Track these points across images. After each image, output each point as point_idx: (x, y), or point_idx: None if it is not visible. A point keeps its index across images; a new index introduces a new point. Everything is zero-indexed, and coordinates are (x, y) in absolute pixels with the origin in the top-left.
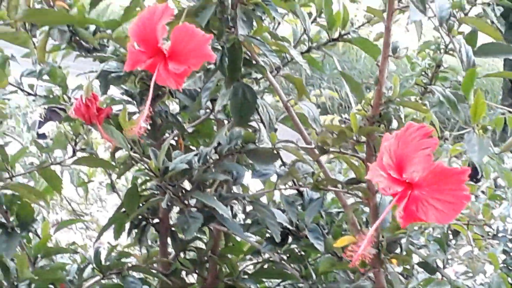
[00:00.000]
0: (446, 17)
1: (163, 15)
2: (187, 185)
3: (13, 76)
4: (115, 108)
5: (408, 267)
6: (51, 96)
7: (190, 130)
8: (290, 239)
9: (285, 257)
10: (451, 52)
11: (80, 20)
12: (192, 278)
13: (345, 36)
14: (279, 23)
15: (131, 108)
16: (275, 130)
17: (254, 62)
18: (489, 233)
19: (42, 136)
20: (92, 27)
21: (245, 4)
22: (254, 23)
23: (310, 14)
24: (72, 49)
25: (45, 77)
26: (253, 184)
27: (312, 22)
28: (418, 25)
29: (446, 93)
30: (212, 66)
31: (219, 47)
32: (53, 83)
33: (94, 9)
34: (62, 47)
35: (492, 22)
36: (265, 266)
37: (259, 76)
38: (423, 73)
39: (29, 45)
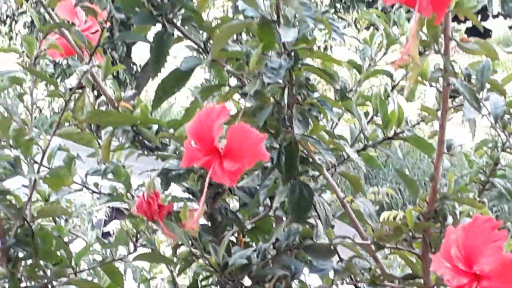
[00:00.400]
0: (500, 114)
1: (220, 115)
2: (246, 280)
3: (78, 175)
4: (177, 205)
5: None
6: (115, 194)
7: (249, 226)
8: None
9: None
10: (508, 150)
11: (143, 121)
12: None
13: (401, 135)
14: (336, 123)
15: (193, 205)
16: (332, 226)
17: (310, 160)
18: None
19: (107, 234)
20: (155, 127)
21: (300, 104)
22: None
23: (367, 113)
24: (135, 148)
25: (110, 175)
26: (311, 280)
27: (368, 122)
28: (472, 123)
29: (507, 186)
30: (269, 164)
31: (277, 146)
32: (117, 181)
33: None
34: (126, 146)
35: None
36: None
37: (316, 173)
38: (480, 170)
39: (94, 144)
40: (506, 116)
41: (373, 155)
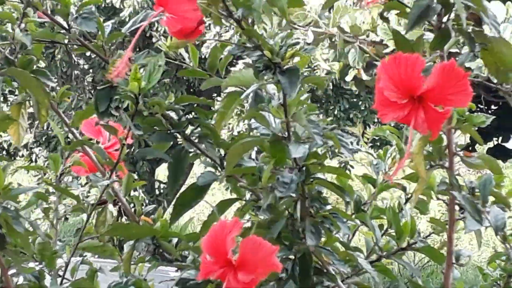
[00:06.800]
0: (501, 226)
1: (233, 229)
2: None
3: None
4: None
5: None
6: None
7: None
8: None
9: None
10: None
11: (163, 234)
12: None
13: (414, 245)
14: (353, 234)
15: None
16: None
17: (325, 270)
18: None
19: None
20: (175, 240)
21: (313, 216)
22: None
23: (382, 225)
24: (156, 260)
25: None
26: None
27: (383, 234)
28: (478, 234)
29: None
30: (284, 275)
31: (291, 257)
32: None
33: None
34: (147, 259)
35: None
36: None
37: (331, 284)
38: (495, 283)
39: (116, 257)
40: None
41: (389, 267)
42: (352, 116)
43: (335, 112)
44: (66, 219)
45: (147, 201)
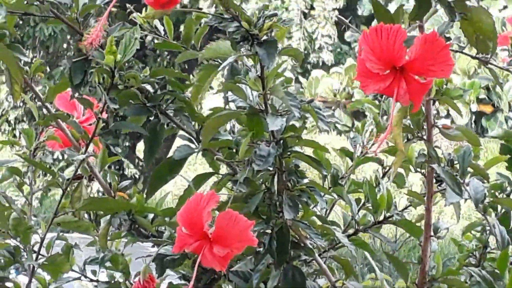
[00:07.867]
0: (481, 198)
1: (209, 202)
2: None
3: (77, 264)
4: None
5: None
6: (112, 282)
7: None
8: None
9: None
10: None
11: (139, 209)
12: None
13: (390, 219)
14: (331, 208)
15: None
16: None
17: (302, 244)
18: None
19: None
20: (151, 215)
21: (291, 190)
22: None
23: (359, 199)
24: (132, 236)
25: (108, 264)
26: None
27: (360, 208)
28: (457, 206)
29: (482, 273)
30: (261, 249)
31: (268, 231)
32: (116, 270)
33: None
34: (123, 234)
35: None
36: None
37: (309, 258)
38: (471, 254)
39: (91, 232)
40: (487, 200)
41: (366, 241)
42: None
43: None
44: (47, 195)
45: (137, 176)
